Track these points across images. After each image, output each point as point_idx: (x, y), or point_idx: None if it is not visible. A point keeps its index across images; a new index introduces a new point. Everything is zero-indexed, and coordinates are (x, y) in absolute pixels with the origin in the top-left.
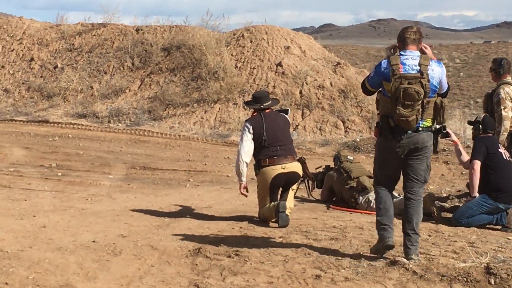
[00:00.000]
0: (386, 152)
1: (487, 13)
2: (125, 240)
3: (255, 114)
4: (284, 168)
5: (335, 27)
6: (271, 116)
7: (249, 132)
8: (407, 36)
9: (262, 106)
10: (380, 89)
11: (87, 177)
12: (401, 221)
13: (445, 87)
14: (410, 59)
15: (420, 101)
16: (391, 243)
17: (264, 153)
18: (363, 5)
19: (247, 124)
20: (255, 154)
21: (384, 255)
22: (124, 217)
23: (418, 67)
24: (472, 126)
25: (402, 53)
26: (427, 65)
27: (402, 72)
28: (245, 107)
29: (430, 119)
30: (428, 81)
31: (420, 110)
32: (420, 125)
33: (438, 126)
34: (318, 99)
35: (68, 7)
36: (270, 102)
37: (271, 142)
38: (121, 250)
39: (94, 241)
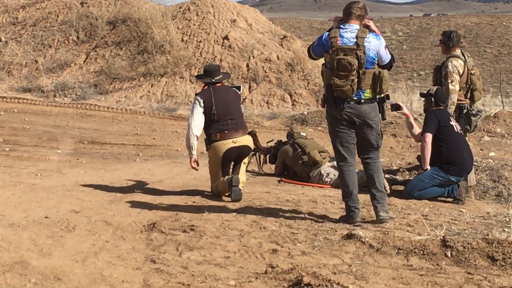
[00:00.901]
0: (334, 121)
1: None
2: (78, 216)
3: (205, 87)
4: (235, 142)
5: (276, 0)
6: (221, 90)
7: (200, 106)
8: (352, 11)
9: (213, 80)
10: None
11: (35, 152)
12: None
13: (385, 58)
14: (349, 32)
15: (355, 72)
16: (359, 223)
17: (215, 127)
18: None
19: (198, 98)
20: (206, 129)
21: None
22: (75, 192)
23: (355, 40)
24: (424, 99)
25: (342, 26)
26: (364, 38)
27: (340, 44)
28: (195, 80)
29: (369, 90)
30: (364, 53)
31: (356, 80)
32: (362, 96)
33: (382, 95)
34: (265, 72)
35: None
36: (221, 76)
37: (222, 116)
38: (74, 226)
39: (46, 217)
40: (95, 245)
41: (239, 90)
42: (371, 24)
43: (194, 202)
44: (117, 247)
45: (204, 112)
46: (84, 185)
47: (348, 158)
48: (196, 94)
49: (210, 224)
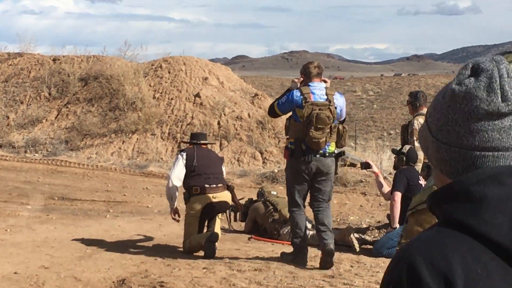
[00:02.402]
0: (297, 172)
1: (397, 46)
2: (48, 272)
3: (190, 146)
4: (214, 198)
5: (248, 59)
6: (205, 150)
7: (182, 159)
8: (311, 71)
9: (198, 142)
10: (290, 115)
11: (5, 207)
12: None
13: (343, 115)
14: (318, 89)
15: (329, 125)
16: (306, 264)
17: (196, 181)
18: (275, 38)
19: (181, 152)
20: (186, 182)
21: None
22: (45, 248)
23: (325, 96)
24: (395, 156)
25: (310, 84)
26: (333, 95)
27: (313, 100)
28: (166, 138)
29: (334, 144)
30: (335, 108)
31: (329, 133)
32: (327, 150)
33: (338, 151)
34: (236, 130)
35: None
36: (206, 140)
37: (203, 169)
38: (44, 282)
39: (15, 273)
40: None
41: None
42: (328, 83)
43: (163, 258)
44: None
45: (186, 165)
46: (54, 241)
47: (301, 205)
48: (179, 151)
49: (180, 280)
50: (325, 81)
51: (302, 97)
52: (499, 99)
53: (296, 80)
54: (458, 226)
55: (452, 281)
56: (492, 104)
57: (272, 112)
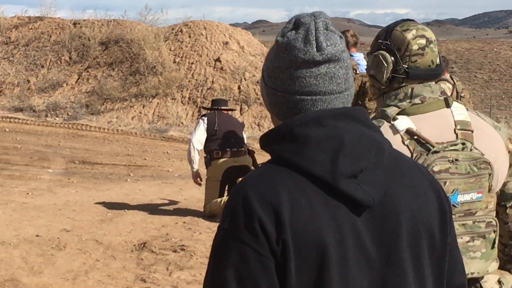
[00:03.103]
0: None
1: (418, 11)
2: (69, 235)
3: (211, 112)
4: (235, 162)
5: (268, 23)
6: (226, 115)
7: (203, 123)
8: (349, 40)
9: (219, 108)
10: None
11: (26, 171)
12: None
13: None
14: (361, 60)
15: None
16: None
17: (217, 145)
18: (296, 2)
19: (202, 117)
20: (207, 146)
21: None
22: (66, 211)
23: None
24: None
25: (352, 54)
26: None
27: (359, 71)
28: (187, 102)
29: None
30: None
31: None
32: None
33: None
34: (257, 94)
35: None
36: (227, 106)
37: (224, 134)
38: (65, 245)
39: (37, 235)
40: (85, 264)
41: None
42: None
43: (184, 222)
44: (108, 266)
45: (207, 129)
46: (75, 204)
47: None
48: (201, 116)
49: (201, 244)
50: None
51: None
52: (314, 49)
53: None
54: (286, 164)
55: (279, 211)
56: (308, 53)
57: None
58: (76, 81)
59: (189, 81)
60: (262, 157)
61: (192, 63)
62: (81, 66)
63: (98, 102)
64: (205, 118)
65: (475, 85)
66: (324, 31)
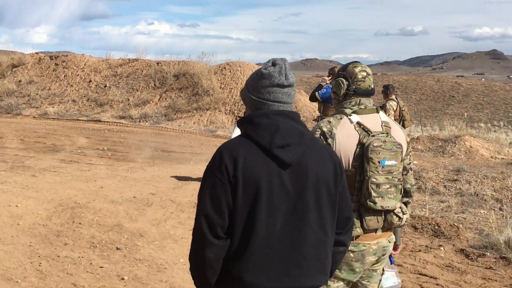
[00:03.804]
0: None
1: (374, 55)
2: (154, 196)
3: None
4: None
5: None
6: None
7: (237, 127)
8: (336, 72)
9: None
10: (321, 101)
11: (127, 156)
12: None
13: None
14: None
15: None
16: None
17: None
18: (296, 50)
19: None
20: None
21: None
22: (152, 181)
23: None
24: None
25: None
26: None
27: None
28: (228, 112)
29: None
30: None
31: None
32: None
33: None
34: None
35: (112, 47)
36: None
37: None
38: (152, 203)
39: (134, 197)
40: (164, 215)
41: None
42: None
43: None
44: (179, 216)
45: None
46: (158, 177)
47: None
48: (237, 121)
49: None
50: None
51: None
52: (283, 78)
53: (326, 79)
54: (247, 137)
55: (236, 160)
56: (280, 80)
57: (314, 98)
58: (158, 99)
59: (229, 99)
60: None
61: (231, 88)
62: (161, 90)
63: (172, 112)
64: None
65: (410, 103)
66: (288, 69)
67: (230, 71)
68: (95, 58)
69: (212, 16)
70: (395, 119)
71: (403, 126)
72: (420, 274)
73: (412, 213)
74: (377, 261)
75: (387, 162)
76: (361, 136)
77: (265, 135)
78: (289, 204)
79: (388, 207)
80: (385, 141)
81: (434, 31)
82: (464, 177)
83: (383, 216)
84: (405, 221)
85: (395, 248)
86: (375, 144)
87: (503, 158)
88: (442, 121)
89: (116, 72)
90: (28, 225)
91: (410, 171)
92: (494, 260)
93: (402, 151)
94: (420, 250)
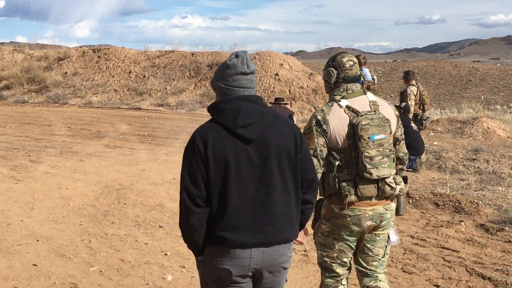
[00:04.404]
0: None
1: (394, 43)
2: None
3: (274, 105)
4: None
5: (305, 53)
6: (282, 107)
7: None
8: (361, 60)
9: (279, 103)
10: None
11: (165, 141)
12: None
13: None
14: (367, 73)
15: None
16: None
17: None
18: (321, 39)
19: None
20: None
21: None
22: None
23: (371, 77)
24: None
25: (362, 69)
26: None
27: (367, 78)
28: (269, 105)
29: None
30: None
31: None
32: None
33: None
34: (300, 95)
35: (149, 40)
36: (284, 101)
37: None
38: None
39: (174, 179)
40: None
41: (283, 101)
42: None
43: None
44: None
45: None
46: None
47: None
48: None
49: None
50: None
51: (362, 77)
52: (245, 67)
53: None
54: (215, 121)
55: (207, 141)
56: (243, 69)
57: None
58: (194, 88)
59: (259, 87)
60: None
61: (262, 77)
62: (196, 79)
63: (207, 100)
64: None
65: (430, 87)
66: (249, 59)
67: (260, 61)
68: (134, 50)
69: (242, 9)
70: (415, 103)
71: (423, 109)
72: (442, 248)
73: (433, 190)
74: (378, 227)
75: (376, 137)
76: (351, 118)
77: (229, 118)
78: (256, 173)
79: (384, 175)
80: (373, 118)
81: (451, 19)
82: (482, 157)
83: (378, 185)
84: (399, 191)
85: (400, 214)
86: (363, 123)
87: None
88: (460, 104)
89: (154, 63)
90: (78, 206)
91: (402, 141)
92: None
93: (390, 125)
94: (442, 226)
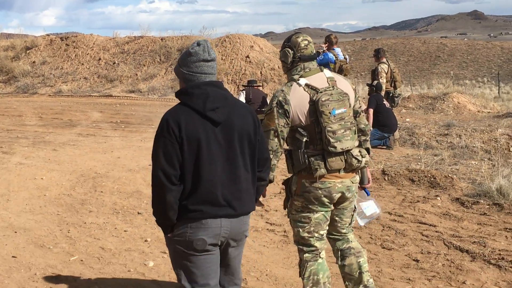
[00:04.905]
0: None
1: (362, 21)
2: None
3: (247, 87)
4: (263, 116)
5: (274, 34)
6: (255, 89)
7: (243, 94)
8: (332, 40)
9: (252, 85)
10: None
11: (139, 127)
12: None
13: None
14: (340, 52)
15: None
16: None
17: (251, 107)
18: (289, 20)
19: (242, 90)
20: None
21: None
22: None
23: (343, 57)
24: (368, 87)
25: (334, 48)
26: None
27: (339, 58)
28: (230, 82)
29: None
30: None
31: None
32: None
33: None
34: (271, 76)
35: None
36: (256, 83)
37: (255, 100)
38: None
39: (150, 165)
40: None
41: (256, 83)
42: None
43: None
44: None
45: (245, 98)
46: None
47: None
48: (241, 90)
49: None
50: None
51: (334, 56)
52: (207, 54)
53: (323, 46)
54: (184, 104)
55: (180, 123)
56: (205, 56)
57: None
58: (165, 73)
59: (231, 70)
60: None
61: (232, 59)
62: (167, 64)
63: (178, 85)
64: (244, 91)
65: (399, 64)
66: (210, 47)
67: (230, 43)
68: (103, 37)
69: None
70: (387, 81)
71: (395, 87)
72: (420, 223)
73: (408, 167)
74: (345, 199)
75: (337, 111)
76: (311, 95)
77: (199, 102)
78: (223, 153)
79: (348, 147)
80: (332, 93)
81: None
82: (455, 131)
83: (344, 156)
84: (365, 163)
85: (364, 184)
86: (323, 99)
87: (489, 112)
88: (430, 80)
89: (124, 49)
90: (54, 196)
91: (361, 113)
92: (487, 206)
93: (349, 99)
94: (418, 201)
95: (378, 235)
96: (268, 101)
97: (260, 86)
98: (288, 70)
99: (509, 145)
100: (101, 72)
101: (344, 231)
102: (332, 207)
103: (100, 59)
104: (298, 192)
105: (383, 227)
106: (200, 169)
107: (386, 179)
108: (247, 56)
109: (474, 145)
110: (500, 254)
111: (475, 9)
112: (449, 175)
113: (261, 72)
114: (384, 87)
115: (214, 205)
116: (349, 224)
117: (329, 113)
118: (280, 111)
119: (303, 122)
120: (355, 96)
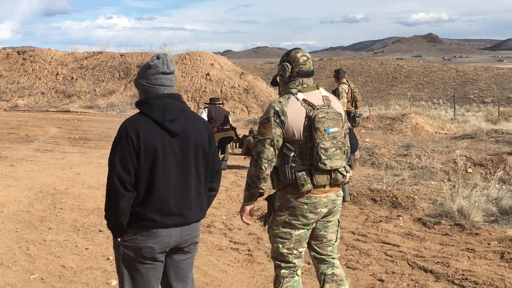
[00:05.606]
0: None
1: (320, 42)
2: None
3: (209, 105)
4: (225, 134)
5: (232, 52)
6: (217, 107)
7: (205, 111)
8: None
9: (214, 103)
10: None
11: (98, 143)
12: None
13: None
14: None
15: None
16: None
17: (213, 125)
18: (248, 38)
19: (205, 108)
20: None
21: None
22: None
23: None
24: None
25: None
26: None
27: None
28: (191, 100)
29: None
30: None
31: None
32: None
33: None
34: (231, 95)
35: (75, 41)
36: (218, 101)
37: (217, 118)
38: None
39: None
40: None
41: (219, 101)
42: None
43: None
44: None
45: (207, 115)
46: None
47: None
48: (204, 107)
49: None
50: None
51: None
52: (166, 67)
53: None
54: (144, 114)
55: (138, 132)
56: (164, 69)
57: (275, 82)
58: (124, 89)
59: (191, 87)
60: (241, 130)
61: (192, 77)
62: (126, 80)
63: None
64: (206, 109)
65: (357, 85)
66: (169, 61)
67: (190, 61)
68: (61, 52)
69: (167, 9)
70: (348, 101)
71: (356, 107)
72: (383, 242)
73: (370, 186)
74: (330, 213)
75: (331, 130)
76: (307, 111)
77: (159, 112)
78: (178, 163)
79: (336, 166)
80: (328, 112)
81: (375, 17)
82: (414, 152)
83: (330, 174)
84: (349, 179)
85: (346, 201)
86: (319, 116)
87: (446, 133)
88: (387, 101)
89: (82, 64)
90: (12, 212)
91: (347, 135)
92: (449, 227)
93: (342, 119)
94: (381, 221)
95: (342, 254)
96: (230, 120)
97: (222, 104)
98: (284, 84)
99: (466, 166)
100: (59, 87)
101: (329, 250)
102: (315, 224)
103: (58, 74)
104: (282, 208)
105: (347, 246)
106: (154, 177)
107: (349, 198)
108: (208, 74)
109: (433, 166)
110: (463, 274)
111: (430, 32)
112: (411, 195)
113: (221, 90)
114: (345, 107)
115: (165, 214)
116: (335, 241)
117: (324, 130)
118: (277, 120)
119: (296, 136)
120: (344, 118)
